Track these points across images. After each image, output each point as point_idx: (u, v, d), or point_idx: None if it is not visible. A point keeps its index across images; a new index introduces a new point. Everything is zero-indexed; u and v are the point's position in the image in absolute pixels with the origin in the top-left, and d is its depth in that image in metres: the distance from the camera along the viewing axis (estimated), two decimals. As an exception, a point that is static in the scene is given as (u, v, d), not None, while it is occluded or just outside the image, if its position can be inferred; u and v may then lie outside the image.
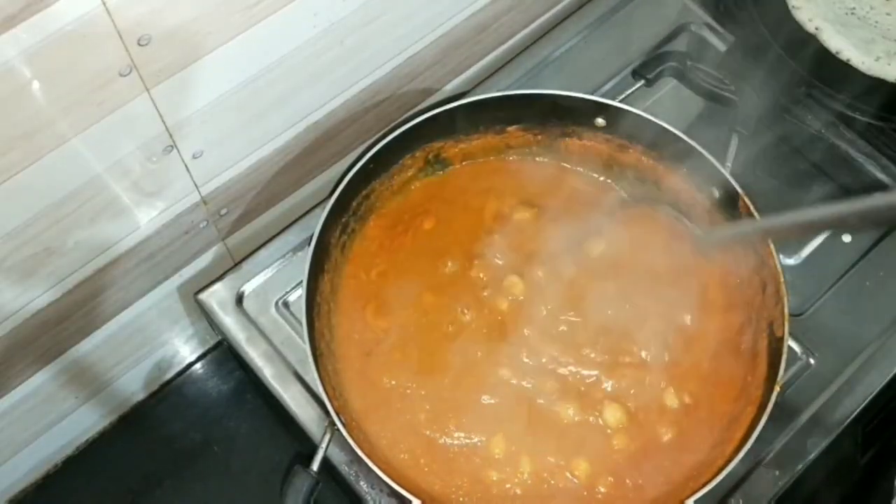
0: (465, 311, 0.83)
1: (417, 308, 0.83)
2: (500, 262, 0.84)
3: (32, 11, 0.55)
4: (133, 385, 1.02)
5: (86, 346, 0.88)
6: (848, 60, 0.92)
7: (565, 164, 0.91)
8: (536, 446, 0.78)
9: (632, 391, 0.79)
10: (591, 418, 0.79)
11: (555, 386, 0.79)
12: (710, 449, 0.77)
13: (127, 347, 0.95)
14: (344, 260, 0.85)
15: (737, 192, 0.80)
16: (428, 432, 0.79)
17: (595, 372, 0.80)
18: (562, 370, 0.80)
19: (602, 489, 0.76)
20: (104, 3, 0.58)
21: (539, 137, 0.90)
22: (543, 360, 0.80)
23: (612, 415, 0.78)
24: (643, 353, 0.80)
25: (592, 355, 0.80)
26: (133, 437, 1.03)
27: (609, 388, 0.79)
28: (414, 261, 0.86)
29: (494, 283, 0.83)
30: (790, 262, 0.88)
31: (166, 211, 0.81)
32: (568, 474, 0.77)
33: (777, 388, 0.74)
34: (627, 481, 0.77)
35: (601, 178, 0.91)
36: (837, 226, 0.82)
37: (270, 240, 0.90)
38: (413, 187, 0.90)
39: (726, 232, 0.82)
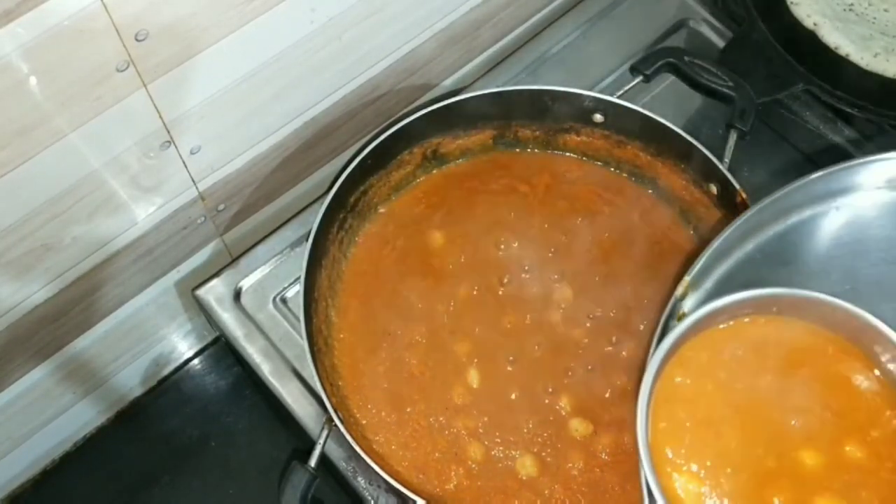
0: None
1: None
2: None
3: (30, 6, 0.55)
4: (131, 381, 1.02)
5: (83, 341, 0.88)
6: (847, 56, 0.92)
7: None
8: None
9: None
10: None
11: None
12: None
13: (124, 343, 0.95)
14: (341, 255, 0.85)
15: (735, 188, 0.80)
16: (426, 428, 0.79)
17: None
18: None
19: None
20: (101, -1, 0.58)
21: (537, 133, 0.90)
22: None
23: None
24: None
25: None
26: (131, 433, 1.03)
27: None
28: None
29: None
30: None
31: (164, 207, 0.81)
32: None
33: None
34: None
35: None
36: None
37: (268, 236, 0.90)
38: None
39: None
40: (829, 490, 0.65)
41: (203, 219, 0.87)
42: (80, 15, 0.58)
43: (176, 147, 0.75)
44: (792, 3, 0.95)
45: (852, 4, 0.96)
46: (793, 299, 0.69)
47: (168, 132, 0.73)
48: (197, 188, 0.82)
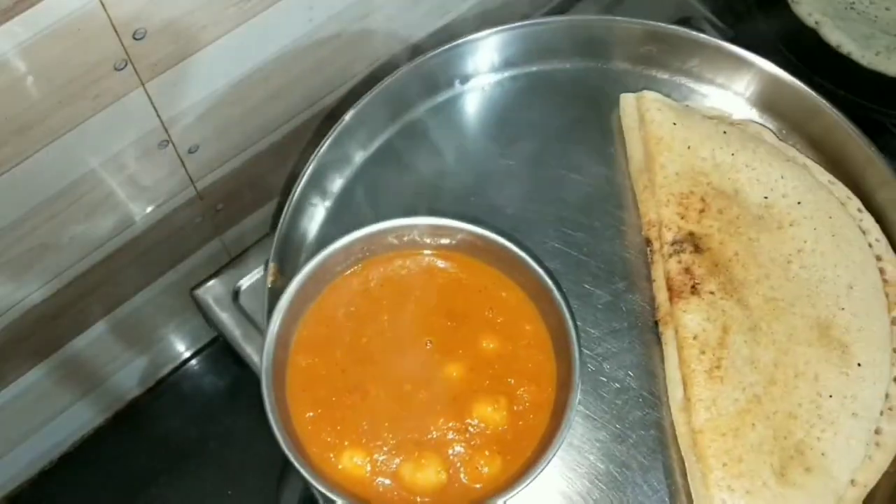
0: None
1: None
2: None
3: (27, 5, 0.55)
4: (129, 381, 1.01)
5: (81, 341, 0.88)
6: (848, 54, 0.92)
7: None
8: None
9: None
10: None
11: None
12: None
13: (122, 343, 0.94)
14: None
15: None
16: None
17: None
18: None
19: None
20: (99, -3, 0.58)
21: (537, 132, 0.90)
22: None
23: None
24: None
25: None
26: (129, 433, 1.02)
27: None
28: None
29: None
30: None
31: (162, 206, 0.81)
32: None
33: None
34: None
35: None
36: None
37: (267, 235, 0.90)
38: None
39: None
40: (481, 391, 0.64)
41: (201, 218, 0.87)
42: (78, 13, 0.57)
43: (174, 146, 0.75)
44: (793, 1, 0.95)
45: (853, 3, 0.96)
46: (369, 236, 0.67)
47: (166, 131, 0.73)
48: (195, 187, 0.82)
